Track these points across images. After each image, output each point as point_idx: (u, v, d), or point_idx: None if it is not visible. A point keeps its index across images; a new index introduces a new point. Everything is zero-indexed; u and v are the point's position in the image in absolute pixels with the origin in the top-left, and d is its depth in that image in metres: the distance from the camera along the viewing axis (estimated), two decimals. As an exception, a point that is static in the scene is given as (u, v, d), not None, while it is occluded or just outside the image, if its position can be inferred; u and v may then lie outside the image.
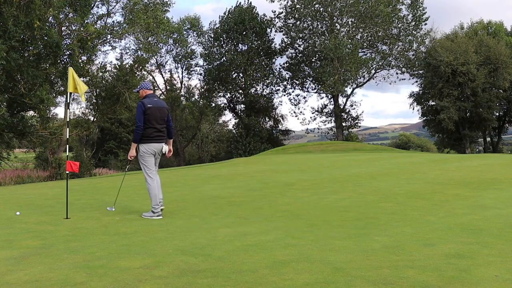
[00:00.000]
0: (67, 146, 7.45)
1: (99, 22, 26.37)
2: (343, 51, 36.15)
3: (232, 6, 44.11)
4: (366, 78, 41.61)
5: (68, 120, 7.98)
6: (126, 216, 6.47)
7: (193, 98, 46.80)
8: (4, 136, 21.60)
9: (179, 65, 45.85)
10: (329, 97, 42.10)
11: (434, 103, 39.57)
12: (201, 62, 45.28)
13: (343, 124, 41.86)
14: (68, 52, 22.52)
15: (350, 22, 39.19)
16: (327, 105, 43.28)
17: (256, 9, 42.34)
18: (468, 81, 36.59)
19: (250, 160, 21.73)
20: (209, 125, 51.14)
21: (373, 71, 41.14)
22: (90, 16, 24.62)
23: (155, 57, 41.68)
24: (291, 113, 46.37)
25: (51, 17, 22.06)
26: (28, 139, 23.46)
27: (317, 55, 40.50)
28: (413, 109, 45.68)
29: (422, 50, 40.43)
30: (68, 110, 8.95)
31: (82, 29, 22.37)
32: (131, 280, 3.35)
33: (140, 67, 30.90)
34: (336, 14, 38.98)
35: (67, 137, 7.31)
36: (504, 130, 46.70)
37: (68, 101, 10.32)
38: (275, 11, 41.16)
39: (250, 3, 42.57)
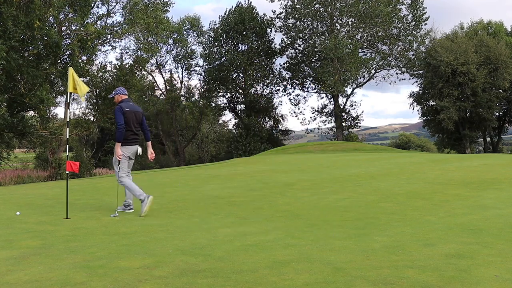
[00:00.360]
0: (67, 146, 7.45)
1: (99, 22, 26.34)
2: (343, 51, 36.15)
3: (232, 6, 44.21)
4: (366, 78, 41.65)
5: (68, 120, 7.98)
6: (126, 216, 6.48)
7: (193, 98, 46.79)
8: (4, 136, 21.56)
9: (179, 65, 45.87)
10: (329, 97, 42.11)
11: (434, 103, 39.55)
12: (201, 62, 45.35)
13: (343, 124, 41.85)
14: (68, 52, 22.49)
15: (350, 22, 39.18)
16: (327, 105, 43.34)
17: (256, 9, 42.39)
18: (468, 81, 36.57)
19: (250, 160, 21.72)
20: (209, 125, 51.11)
21: (373, 71, 41.18)
22: (90, 16, 24.59)
23: (155, 57, 41.67)
24: (291, 113, 46.44)
25: (51, 17, 22.02)
26: (28, 139, 23.41)
27: (317, 55, 40.50)
28: (413, 109, 45.80)
29: (422, 50, 40.42)
30: (68, 110, 8.96)
31: (82, 29, 22.35)
32: (131, 280, 3.35)
33: (140, 67, 30.90)
34: (336, 14, 38.97)
35: (67, 137, 7.32)
36: (504, 130, 46.70)
37: (68, 101, 10.33)
38: (275, 11, 41.21)
39: (250, 3, 42.61)
